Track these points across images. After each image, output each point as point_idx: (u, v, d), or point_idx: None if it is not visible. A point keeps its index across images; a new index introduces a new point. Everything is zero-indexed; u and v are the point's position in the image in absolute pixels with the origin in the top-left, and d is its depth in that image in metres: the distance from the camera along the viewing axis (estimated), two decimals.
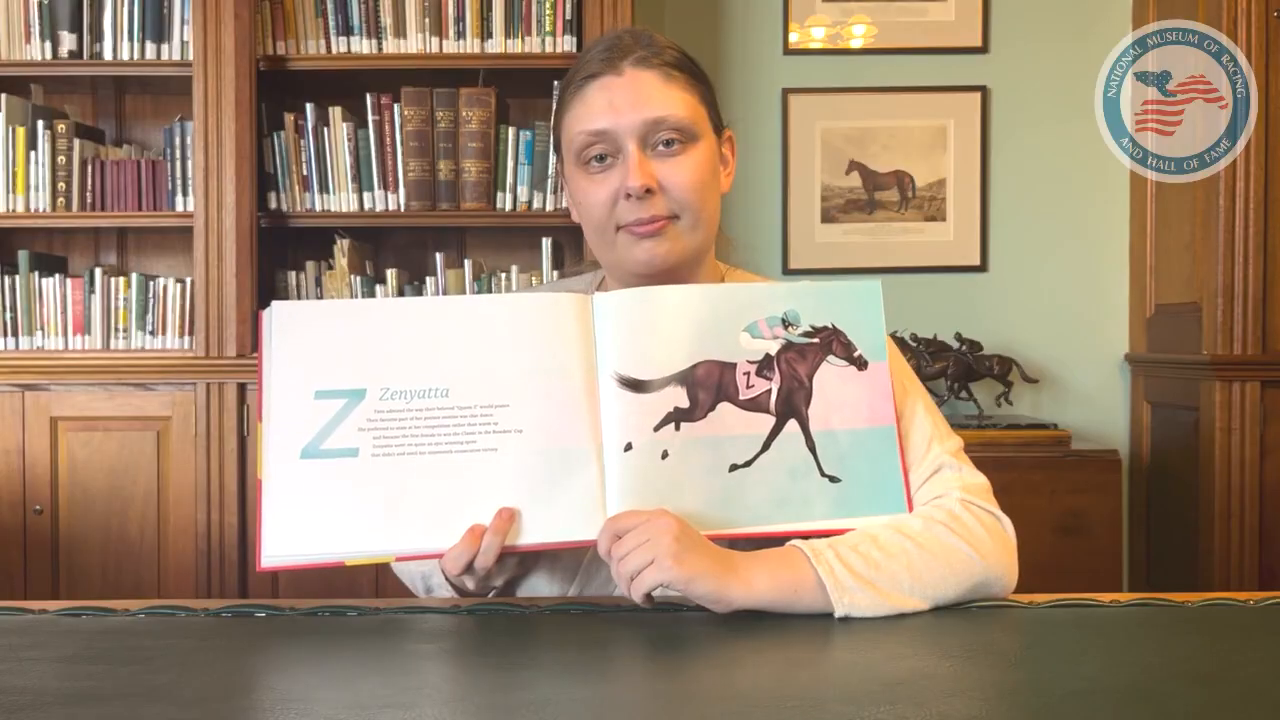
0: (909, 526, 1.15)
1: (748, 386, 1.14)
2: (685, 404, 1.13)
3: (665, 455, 1.12)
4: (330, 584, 2.72)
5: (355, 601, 1.19)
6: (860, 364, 1.17)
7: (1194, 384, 2.86)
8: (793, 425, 1.15)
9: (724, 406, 1.14)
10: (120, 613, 1.14)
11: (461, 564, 1.10)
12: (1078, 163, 3.23)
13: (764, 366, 1.15)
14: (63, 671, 0.96)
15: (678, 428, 1.13)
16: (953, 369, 3.08)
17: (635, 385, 1.12)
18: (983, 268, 3.27)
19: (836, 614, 1.08)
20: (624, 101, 1.23)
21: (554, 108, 1.33)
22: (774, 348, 1.16)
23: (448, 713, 0.87)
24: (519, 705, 0.86)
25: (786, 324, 1.15)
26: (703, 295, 1.18)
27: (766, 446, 1.15)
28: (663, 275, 1.26)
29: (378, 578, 2.59)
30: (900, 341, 3.09)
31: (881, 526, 1.15)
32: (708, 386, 1.14)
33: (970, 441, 2.94)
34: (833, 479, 1.16)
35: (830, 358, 1.16)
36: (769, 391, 1.15)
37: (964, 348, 3.11)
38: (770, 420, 1.15)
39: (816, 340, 1.17)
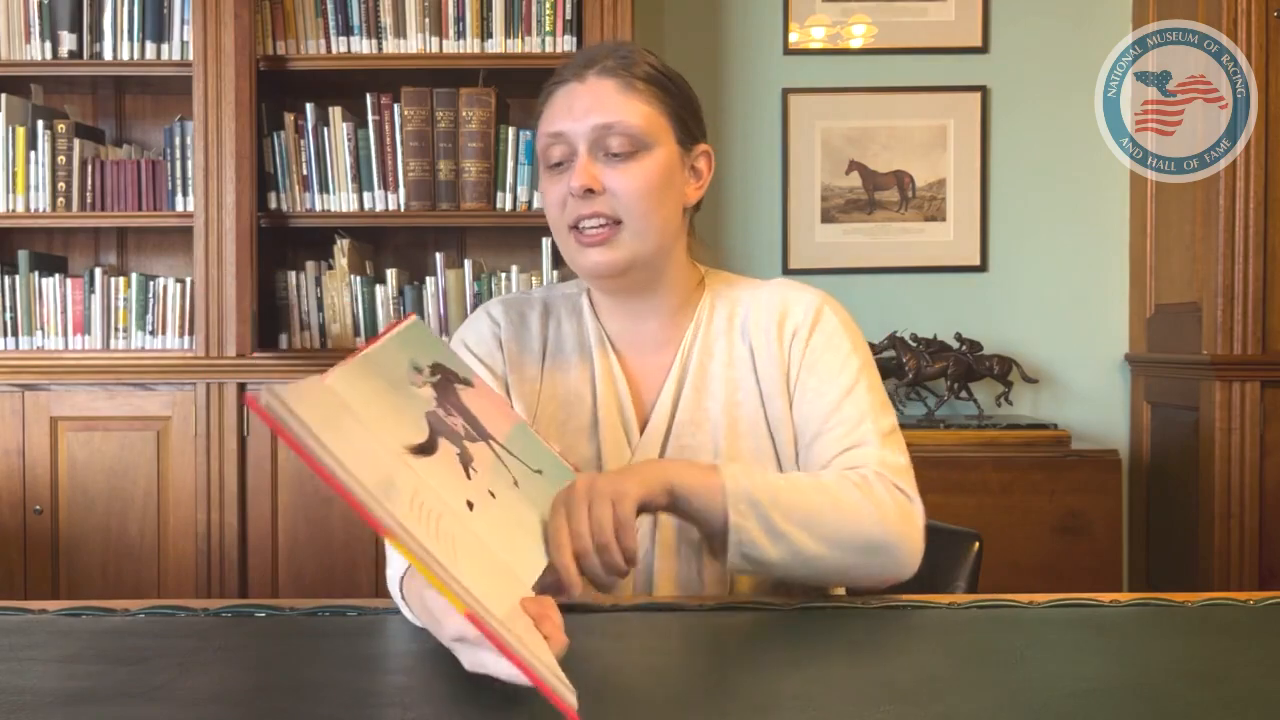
0: (823, 475, 1.22)
1: (453, 427, 1.07)
2: (458, 450, 1.04)
3: (493, 495, 1.05)
4: (330, 584, 2.72)
5: (355, 601, 1.19)
6: (467, 383, 1.14)
7: (1194, 384, 2.86)
8: (492, 444, 1.11)
9: (462, 444, 1.06)
10: (120, 613, 1.14)
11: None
12: (1078, 163, 3.23)
13: (442, 408, 1.08)
14: (62, 671, 0.96)
15: (469, 475, 1.04)
16: (953, 369, 3.08)
17: (423, 449, 1.00)
18: (983, 268, 3.26)
19: (730, 521, 1.13)
20: (580, 107, 1.28)
21: None
22: (429, 393, 1.07)
23: (448, 713, 0.87)
24: (518, 705, 0.86)
25: (419, 370, 1.09)
26: (363, 368, 1.00)
27: (504, 464, 1.11)
28: (617, 280, 1.32)
29: (377, 578, 2.59)
30: (900, 341, 3.09)
31: (797, 471, 1.24)
32: (447, 432, 1.05)
33: (970, 441, 2.98)
34: (538, 470, 1.14)
35: (455, 385, 1.13)
36: (462, 424, 1.09)
37: (964, 348, 3.11)
38: (485, 445, 1.09)
39: (439, 377, 1.11)
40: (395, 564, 1.11)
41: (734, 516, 1.13)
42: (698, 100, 1.36)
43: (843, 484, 1.20)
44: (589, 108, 1.27)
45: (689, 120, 1.33)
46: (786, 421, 1.32)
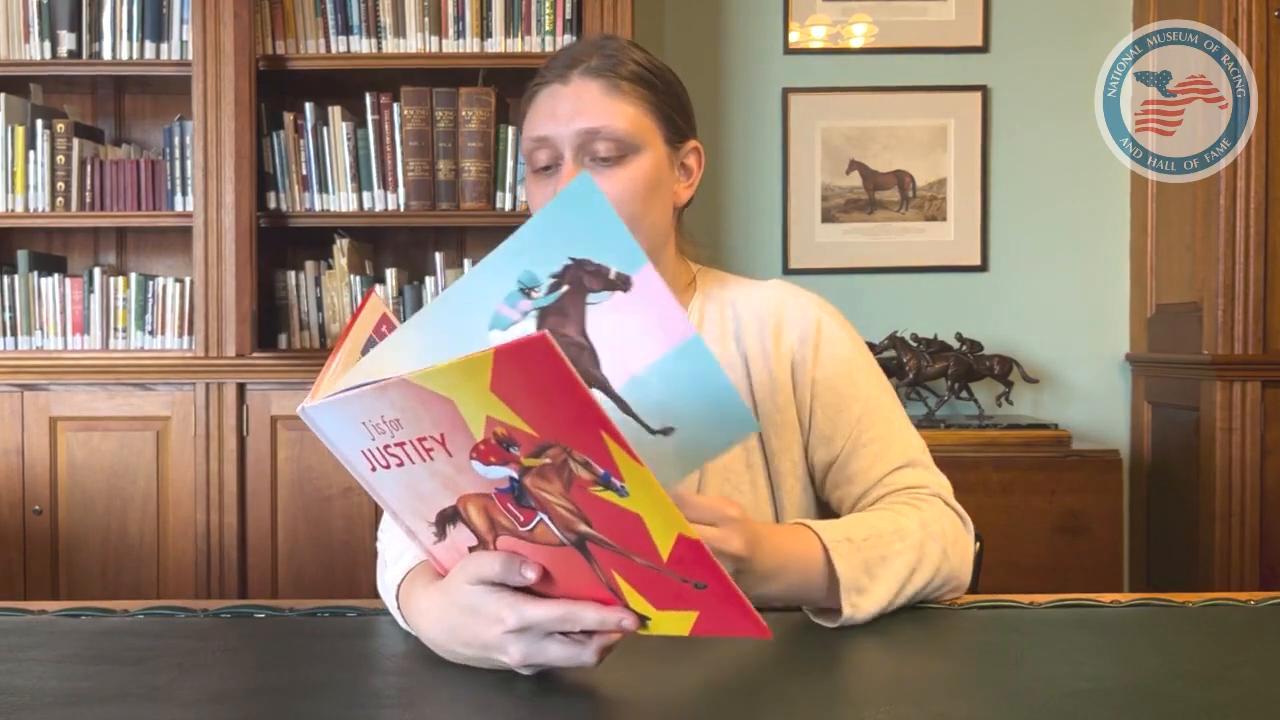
0: (907, 525, 1.17)
1: None
2: None
3: None
4: (330, 584, 2.72)
5: (355, 602, 1.19)
6: (623, 283, 0.92)
7: (1194, 384, 2.86)
8: (597, 395, 0.89)
9: None
10: (119, 613, 1.14)
11: None
12: (1078, 163, 3.23)
13: None
14: (62, 672, 0.96)
15: None
16: (953, 369, 3.08)
17: None
18: (983, 268, 3.26)
19: (843, 612, 1.07)
20: (564, 111, 1.25)
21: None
22: (531, 325, 0.94)
23: (448, 713, 0.87)
24: (519, 705, 0.86)
25: (528, 290, 0.93)
26: (428, 323, 0.94)
27: None
28: None
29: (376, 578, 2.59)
30: (900, 341, 3.09)
31: (879, 520, 1.16)
32: None
33: (970, 441, 2.98)
34: (665, 431, 0.97)
35: (589, 297, 0.93)
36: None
37: (964, 348, 3.11)
38: None
39: (566, 287, 0.93)
40: (392, 570, 1.09)
41: (848, 610, 1.07)
42: (686, 95, 1.33)
43: (922, 534, 1.16)
44: (574, 112, 1.24)
45: (677, 118, 1.30)
46: (780, 429, 1.30)
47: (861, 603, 1.09)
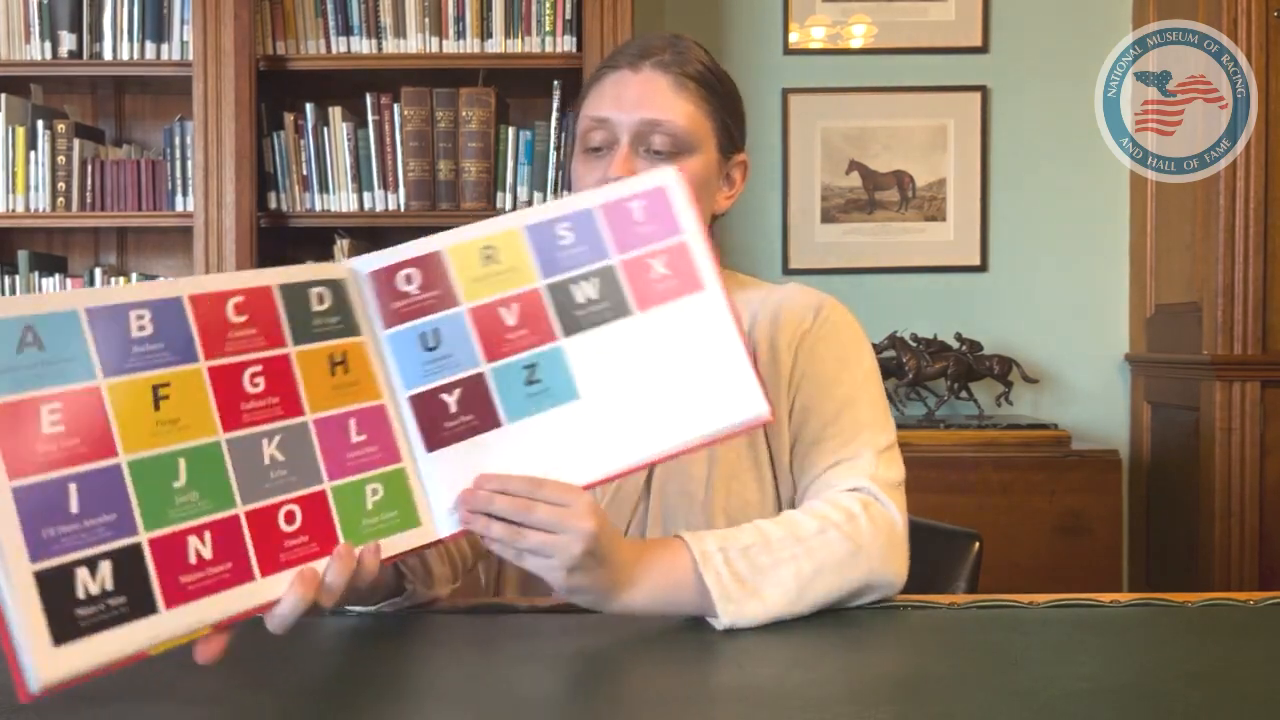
0: (804, 528, 1.13)
1: None
2: None
3: None
4: None
5: None
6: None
7: (1194, 384, 2.86)
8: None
9: None
10: None
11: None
12: (1078, 163, 3.23)
13: None
14: None
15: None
16: (953, 369, 3.08)
17: None
18: (983, 268, 3.26)
19: (721, 620, 1.05)
20: (629, 97, 1.26)
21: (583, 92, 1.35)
22: None
23: (448, 713, 0.87)
24: (520, 705, 0.86)
25: None
26: None
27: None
28: None
29: None
30: (900, 341, 3.09)
31: (775, 526, 1.13)
32: None
33: (970, 441, 2.97)
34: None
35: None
36: None
37: (964, 348, 3.11)
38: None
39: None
40: None
41: (725, 619, 1.06)
42: (743, 105, 1.34)
43: (825, 535, 1.12)
44: (638, 100, 1.26)
45: (732, 127, 1.32)
46: (781, 424, 1.29)
47: (747, 609, 1.05)
